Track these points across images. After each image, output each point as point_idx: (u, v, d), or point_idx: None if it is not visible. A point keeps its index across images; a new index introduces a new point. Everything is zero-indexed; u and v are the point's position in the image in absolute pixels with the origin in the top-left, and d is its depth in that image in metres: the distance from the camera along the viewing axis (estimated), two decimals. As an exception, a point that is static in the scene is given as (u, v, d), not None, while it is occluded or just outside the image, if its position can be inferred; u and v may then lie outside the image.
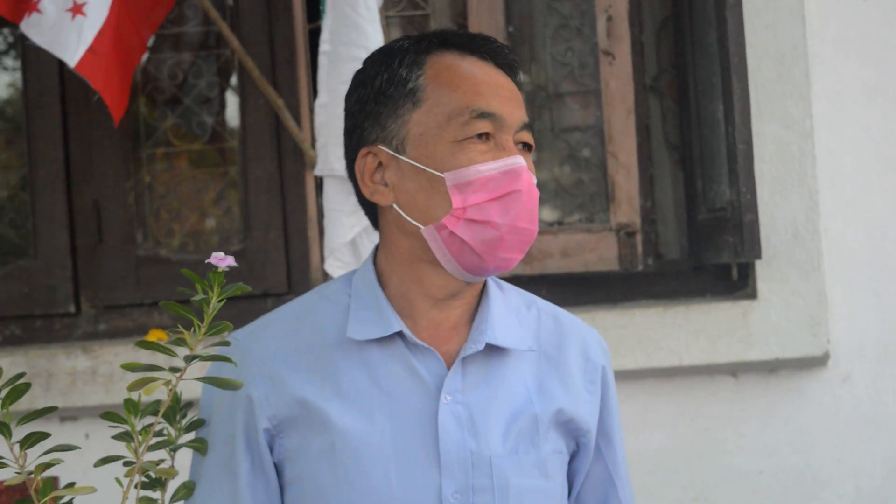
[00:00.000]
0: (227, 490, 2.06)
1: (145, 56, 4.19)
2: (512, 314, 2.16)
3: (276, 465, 2.08)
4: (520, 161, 2.03)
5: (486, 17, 4.04)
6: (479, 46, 2.10)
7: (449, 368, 2.07)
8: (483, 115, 2.04)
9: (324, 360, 2.08)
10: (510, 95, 2.07)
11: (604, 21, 3.99)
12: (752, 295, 3.92)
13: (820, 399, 3.95)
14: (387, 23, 3.95)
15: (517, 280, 3.88)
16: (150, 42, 4.11)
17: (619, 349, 3.86)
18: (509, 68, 2.11)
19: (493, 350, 2.10)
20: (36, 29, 3.44)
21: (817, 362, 3.91)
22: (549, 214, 4.11)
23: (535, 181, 2.05)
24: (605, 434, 2.21)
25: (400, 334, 2.07)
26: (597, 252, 3.98)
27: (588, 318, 3.85)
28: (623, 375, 3.88)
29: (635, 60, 4.04)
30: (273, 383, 2.04)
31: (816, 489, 3.93)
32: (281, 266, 4.13)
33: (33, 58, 4.14)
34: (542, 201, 4.10)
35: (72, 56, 3.42)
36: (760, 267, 3.90)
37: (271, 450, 2.07)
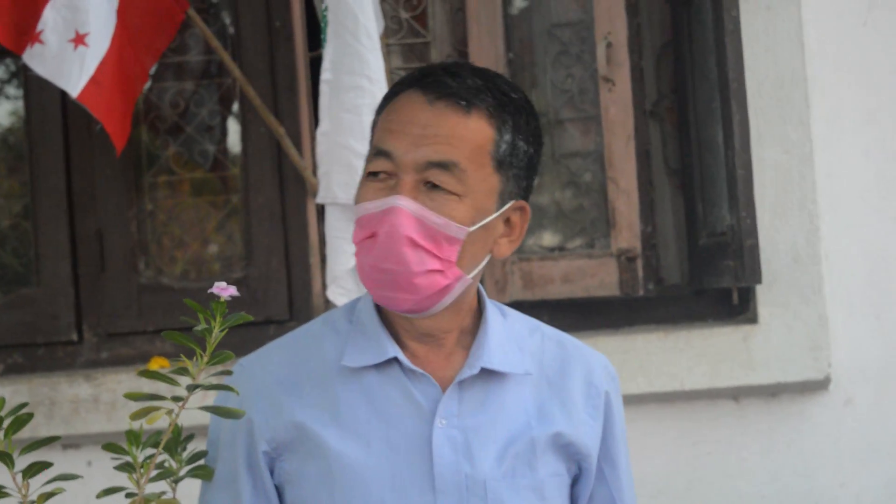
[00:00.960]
0: None
1: (147, 85, 4.20)
2: (512, 339, 2.16)
3: (277, 488, 2.09)
4: (391, 202, 2.00)
5: (486, 44, 4.06)
6: (422, 80, 2.07)
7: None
8: (378, 153, 2.04)
9: (324, 386, 2.09)
10: (421, 132, 2.02)
11: (603, 47, 4.00)
12: (753, 319, 3.92)
13: (822, 423, 3.94)
14: (388, 50, 3.97)
15: (518, 305, 3.88)
16: (152, 71, 4.13)
17: (620, 374, 3.78)
18: (450, 99, 2.04)
19: (491, 375, 2.11)
20: (38, 59, 3.46)
21: (819, 386, 3.91)
22: (550, 240, 4.12)
23: (412, 221, 1.99)
24: (609, 458, 2.20)
25: (397, 360, 2.08)
26: (598, 277, 3.98)
27: (590, 343, 3.79)
28: (625, 400, 3.82)
29: (635, 86, 4.05)
30: (273, 408, 2.06)
31: (819, 513, 3.93)
32: (283, 293, 4.13)
33: (35, 87, 4.15)
34: (542, 226, 4.12)
35: (74, 86, 3.43)
36: (761, 291, 3.90)
37: (272, 472, 2.09)
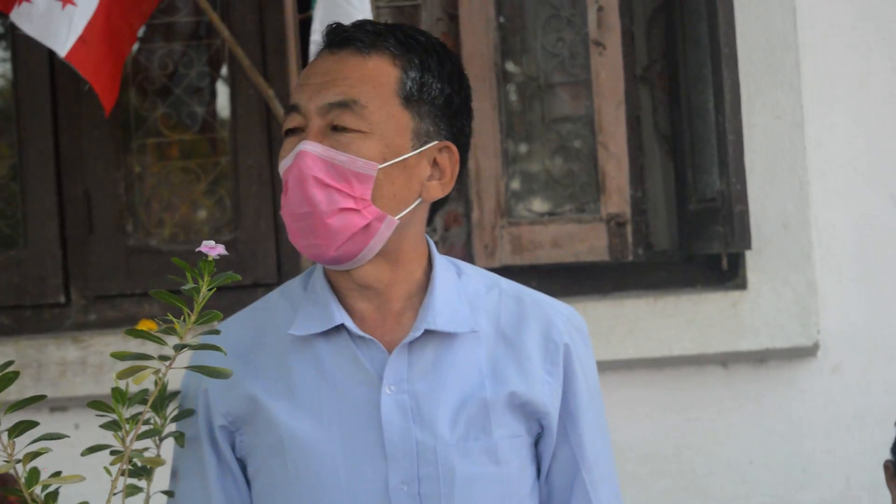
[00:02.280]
0: (200, 487, 2.09)
1: (136, 46, 4.18)
2: (464, 298, 2.14)
3: (240, 461, 2.10)
4: (298, 149, 2.02)
5: (476, 8, 4.04)
6: (328, 37, 2.09)
7: None
8: (289, 110, 2.07)
9: (278, 357, 2.09)
10: (322, 80, 2.04)
11: (594, 11, 3.99)
12: (743, 285, 3.92)
13: (810, 389, 3.95)
14: (378, 13, 3.95)
15: (508, 270, 3.89)
16: (141, 32, 4.11)
17: (609, 339, 3.86)
18: (350, 46, 2.05)
19: (442, 337, 2.09)
20: (26, 18, 3.44)
21: (807, 352, 3.92)
22: (540, 205, 4.11)
23: (318, 162, 2.01)
24: (570, 415, 2.14)
25: (345, 326, 2.07)
26: (587, 242, 3.98)
27: (579, 308, 3.78)
28: (613, 365, 3.88)
29: (626, 51, 4.04)
30: (228, 381, 2.05)
31: (806, 479, 3.94)
32: (271, 256, 4.12)
33: (23, 48, 4.13)
34: (531, 191, 4.11)
35: (62, 46, 3.41)
36: (750, 257, 3.90)
37: (234, 446, 2.09)
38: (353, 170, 2.01)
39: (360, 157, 2.01)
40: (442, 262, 2.15)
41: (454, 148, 2.10)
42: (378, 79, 2.04)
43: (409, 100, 2.05)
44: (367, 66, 2.04)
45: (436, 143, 2.08)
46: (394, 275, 2.09)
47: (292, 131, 2.06)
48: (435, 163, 2.09)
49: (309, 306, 2.10)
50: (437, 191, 2.10)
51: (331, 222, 2.00)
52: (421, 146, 2.06)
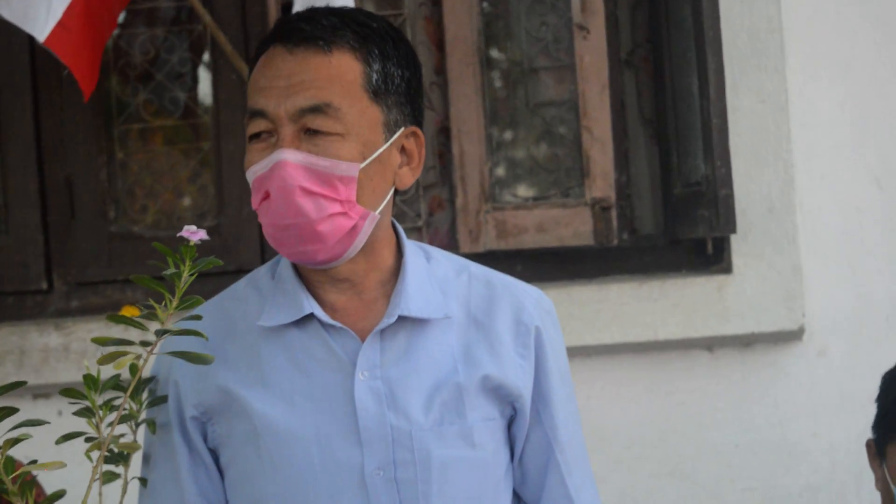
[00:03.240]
0: (171, 476, 2.08)
1: (117, 31, 4.16)
2: (435, 283, 2.14)
3: (212, 451, 2.09)
4: (276, 157, 1.99)
5: (460, -8, 4.02)
6: (280, 32, 2.06)
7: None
8: (254, 115, 2.04)
9: (248, 347, 2.09)
10: (287, 83, 2.01)
11: (578, -5, 3.98)
12: (728, 269, 3.92)
13: (795, 373, 3.95)
14: (360, 1, 3.93)
15: (492, 255, 3.88)
16: (122, 18, 4.08)
17: (594, 324, 3.86)
18: (309, 43, 2.03)
19: (414, 322, 2.09)
20: (4, 3, 3.41)
21: (792, 336, 3.92)
22: (525, 190, 4.10)
23: (300, 170, 1.99)
24: (542, 397, 2.16)
25: (315, 315, 2.06)
26: (572, 227, 3.97)
27: (564, 292, 3.84)
28: (598, 350, 3.88)
29: (610, 35, 4.03)
30: (198, 372, 2.05)
31: (792, 463, 3.94)
32: (255, 242, 4.11)
33: (3, 33, 4.09)
34: (516, 176, 4.10)
35: (41, 30, 3.39)
36: (735, 241, 3.90)
37: (206, 437, 2.09)
38: (337, 173, 2.00)
39: (342, 160, 2.00)
40: (412, 248, 2.15)
41: (420, 132, 2.10)
42: (345, 77, 2.02)
43: (377, 93, 2.04)
44: (332, 64, 2.02)
45: (403, 129, 2.07)
46: (368, 265, 2.09)
47: (257, 136, 2.04)
48: (403, 149, 2.09)
49: (278, 296, 2.10)
50: (409, 177, 2.11)
51: (320, 229, 2.00)
52: (392, 137, 2.06)
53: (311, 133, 2.00)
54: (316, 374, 2.06)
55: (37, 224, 4.15)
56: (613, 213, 3.96)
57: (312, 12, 2.07)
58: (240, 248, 4.10)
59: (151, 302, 1.89)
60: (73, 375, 3.87)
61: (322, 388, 2.05)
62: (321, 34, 2.02)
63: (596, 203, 3.96)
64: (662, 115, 4.07)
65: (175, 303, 1.87)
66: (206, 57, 4.26)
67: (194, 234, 1.88)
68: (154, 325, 1.88)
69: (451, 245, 3.96)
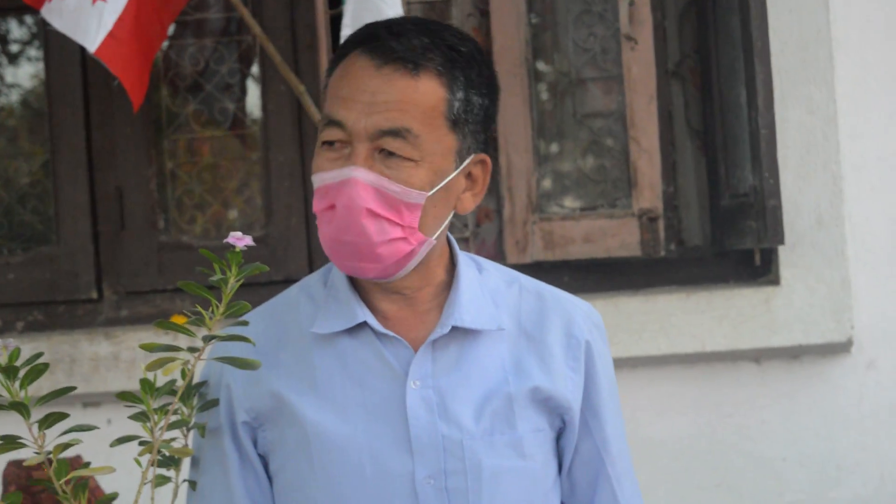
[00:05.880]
0: (222, 481, 2.09)
1: (166, 43, 4.19)
2: (487, 295, 2.14)
3: (262, 457, 2.10)
4: (348, 174, 1.98)
5: (507, 4, 4.03)
6: (368, 43, 2.04)
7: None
8: (330, 123, 2.02)
9: (300, 353, 2.09)
10: (371, 100, 1.99)
11: (626, 6, 3.97)
12: (776, 281, 3.90)
13: (844, 385, 3.93)
14: (409, 9, 3.95)
15: (538, 266, 3.88)
16: (172, 29, 4.11)
17: (641, 335, 3.85)
18: (398, 63, 2.00)
19: (465, 333, 2.09)
20: (56, 14, 3.45)
21: (841, 348, 3.90)
22: (572, 201, 4.10)
23: (370, 191, 1.98)
24: (593, 410, 2.16)
25: (369, 324, 2.07)
26: (619, 238, 3.96)
27: (611, 304, 3.84)
28: (646, 361, 3.87)
29: (658, 46, 4.02)
30: (251, 377, 2.05)
31: (840, 476, 3.91)
32: (302, 252, 4.13)
33: (56, 45, 4.15)
34: (563, 186, 4.10)
35: (92, 41, 3.43)
36: (784, 253, 3.89)
37: (255, 442, 2.09)
38: (405, 200, 1.99)
39: (412, 187, 1.99)
40: (464, 260, 2.15)
41: (488, 160, 2.09)
42: (428, 103, 2.00)
43: (456, 122, 2.02)
44: (418, 89, 2.00)
45: (473, 157, 2.07)
46: (421, 281, 2.10)
47: (330, 143, 2.05)
48: (469, 174, 2.09)
49: (331, 303, 2.10)
50: (470, 202, 2.10)
51: (380, 251, 1.99)
52: (461, 164, 2.05)
53: (386, 154, 1.99)
54: (368, 382, 2.06)
55: (87, 234, 4.19)
56: (661, 224, 3.96)
57: (403, 27, 2.04)
58: (287, 258, 4.12)
59: (198, 308, 1.90)
60: (122, 384, 3.90)
61: (373, 396, 2.06)
62: (411, 56, 2.00)
63: (643, 214, 3.96)
64: (710, 125, 4.06)
65: (222, 309, 1.88)
66: (254, 68, 4.28)
67: (240, 240, 1.89)
68: (202, 332, 1.89)
69: (498, 256, 3.97)
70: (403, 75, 2.00)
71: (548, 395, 2.10)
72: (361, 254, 2.00)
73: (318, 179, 2.03)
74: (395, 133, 1.98)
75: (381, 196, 1.98)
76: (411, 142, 1.99)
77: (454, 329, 2.07)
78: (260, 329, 2.08)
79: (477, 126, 2.06)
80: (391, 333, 2.06)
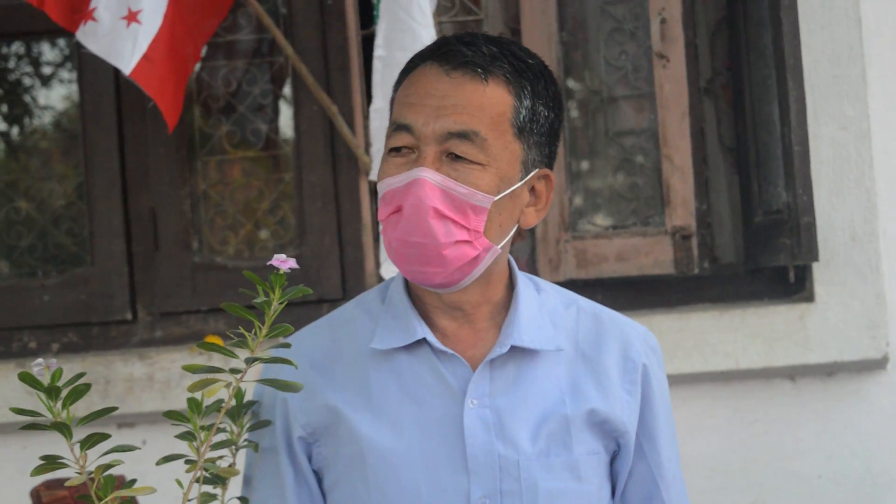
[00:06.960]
0: (276, 495, 2.10)
1: (199, 64, 4.21)
2: (546, 315, 2.14)
3: (316, 473, 2.10)
4: (415, 175, 2.00)
5: (538, 22, 4.03)
6: (438, 52, 2.07)
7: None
8: (399, 128, 2.04)
9: (357, 368, 2.10)
10: (440, 103, 2.02)
11: (657, 24, 3.97)
12: (810, 298, 3.89)
13: (879, 402, 3.91)
14: (440, 28, 3.96)
15: (571, 284, 3.87)
16: (204, 51, 4.13)
17: (675, 353, 3.84)
18: (467, 69, 2.04)
19: (523, 353, 2.09)
20: (91, 37, 3.47)
21: (876, 365, 3.88)
22: (604, 219, 4.10)
23: (437, 192, 1.99)
24: (648, 433, 2.17)
25: (427, 340, 2.07)
26: (652, 256, 3.96)
27: (644, 321, 3.82)
28: (680, 379, 3.86)
29: (689, 63, 4.02)
30: (307, 391, 2.05)
31: (877, 494, 3.89)
32: (336, 272, 4.13)
33: (89, 67, 4.17)
34: (596, 204, 4.10)
35: (126, 63, 3.45)
36: (818, 269, 3.87)
37: (310, 458, 2.09)
38: (471, 202, 2.01)
39: (479, 190, 2.01)
40: (523, 280, 2.16)
41: (552, 176, 2.10)
42: (496, 108, 2.03)
43: (522, 130, 2.05)
44: (486, 94, 2.03)
45: (537, 170, 2.08)
46: (481, 297, 2.10)
47: (397, 150, 2.05)
48: (532, 189, 2.09)
49: (389, 320, 2.10)
50: (533, 217, 2.11)
51: (446, 254, 2.01)
52: (527, 175, 2.07)
53: (454, 158, 2.01)
54: (425, 399, 2.07)
55: (121, 255, 4.20)
56: (694, 242, 3.95)
57: (473, 37, 2.08)
58: (321, 278, 4.13)
59: (241, 330, 1.90)
60: (157, 405, 3.91)
61: (431, 414, 2.06)
62: (480, 62, 2.04)
63: (676, 232, 3.95)
64: (743, 142, 4.05)
65: (265, 331, 1.88)
66: (286, 89, 4.29)
67: (284, 262, 1.90)
68: (244, 353, 1.90)
69: (531, 274, 3.96)
70: (473, 80, 2.03)
71: (604, 417, 2.10)
72: (428, 256, 2.01)
73: (385, 185, 2.03)
74: (463, 136, 2.00)
75: (447, 197, 2.00)
76: (478, 145, 2.01)
77: (512, 349, 2.08)
78: (314, 343, 2.09)
79: (542, 138, 2.08)
80: (450, 351, 2.06)
